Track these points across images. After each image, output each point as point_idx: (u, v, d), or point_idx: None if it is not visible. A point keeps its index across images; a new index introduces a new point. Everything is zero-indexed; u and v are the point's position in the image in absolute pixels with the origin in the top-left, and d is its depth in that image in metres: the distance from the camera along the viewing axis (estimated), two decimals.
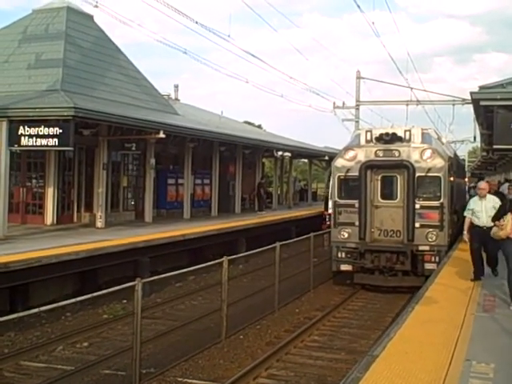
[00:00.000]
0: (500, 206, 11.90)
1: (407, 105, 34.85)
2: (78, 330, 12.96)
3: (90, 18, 25.84)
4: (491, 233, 11.33)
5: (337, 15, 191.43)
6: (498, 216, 11.04)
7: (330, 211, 25.18)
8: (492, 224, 11.84)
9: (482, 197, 12.64)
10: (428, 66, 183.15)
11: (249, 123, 57.49)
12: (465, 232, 12.89)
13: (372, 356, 7.21)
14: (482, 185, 13.21)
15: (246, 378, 9.94)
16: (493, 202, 12.43)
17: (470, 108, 32.35)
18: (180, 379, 10.08)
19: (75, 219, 22.37)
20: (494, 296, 10.98)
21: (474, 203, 12.81)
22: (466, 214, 12.94)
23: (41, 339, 12.42)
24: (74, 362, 10.89)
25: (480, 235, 12.37)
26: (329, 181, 27.94)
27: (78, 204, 22.56)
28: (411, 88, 35.12)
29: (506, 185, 22.29)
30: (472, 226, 12.69)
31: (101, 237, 18.03)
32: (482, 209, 12.49)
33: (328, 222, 25.13)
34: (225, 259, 12.62)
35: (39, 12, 24.74)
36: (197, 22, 17.28)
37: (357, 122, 35.49)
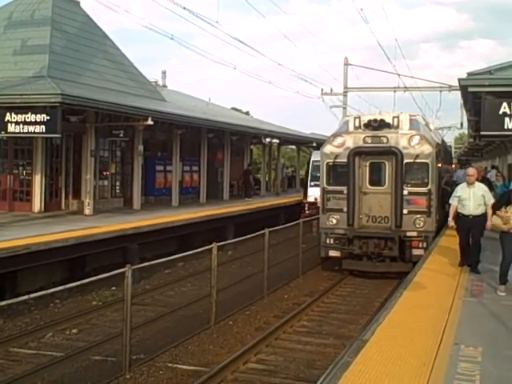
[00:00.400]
0: (502, 195, 11.63)
1: (395, 91, 35.01)
2: (68, 316, 12.96)
3: (77, 3, 25.60)
4: (488, 224, 11.13)
5: (325, 2, 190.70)
6: (499, 206, 10.64)
7: (310, 199, 26.21)
8: (479, 213, 11.65)
9: (470, 184, 11.96)
10: (415, 52, 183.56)
11: (236, 110, 57.34)
12: (450, 219, 12.29)
13: (362, 341, 7.27)
14: (471, 171, 12.43)
15: (236, 363, 10.00)
16: (482, 191, 11.88)
17: (457, 94, 32.51)
18: (170, 365, 10.10)
19: (63, 206, 22.27)
20: (481, 281, 11.06)
21: (461, 190, 12.12)
22: (451, 201, 12.30)
23: (30, 326, 12.40)
24: (63, 348, 10.89)
25: (466, 224, 11.95)
26: (308, 168, 28.21)
27: (66, 191, 22.45)
28: (399, 74, 35.29)
29: (494, 171, 22.34)
30: (457, 214, 12.07)
31: (89, 224, 18.00)
32: (469, 196, 11.85)
33: (308, 211, 25.44)
34: (214, 245, 12.64)
35: None
36: (184, 8, 17.17)
37: (344, 108, 35.58)
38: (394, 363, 6.54)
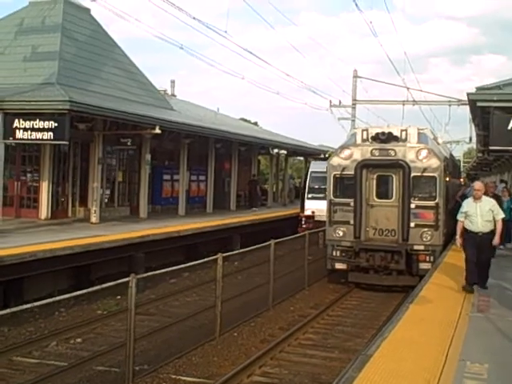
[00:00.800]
0: None
1: (403, 104, 34.87)
2: (72, 325, 12.90)
3: (87, 11, 25.72)
4: (497, 240, 10.91)
5: (334, 14, 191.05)
6: None
7: (307, 212, 25.69)
8: (488, 230, 11.23)
9: (477, 199, 11.48)
10: (424, 66, 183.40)
11: (245, 120, 57.43)
12: (457, 237, 11.88)
13: (366, 355, 7.20)
14: (477, 185, 11.98)
15: (240, 376, 9.91)
16: (489, 205, 11.47)
17: (466, 109, 32.45)
18: (173, 376, 10.04)
19: (69, 214, 22.28)
20: (488, 297, 10.96)
21: (467, 205, 11.61)
22: (458, 217, 11.76)
23: (34, 334, 12.36)
24: (67, 357, 10.84)
25: (475, 241, 11.34)
26: (306, 180, 27.74)
27: (73, 198, 22.47)
28: (408, 88, 35.16)
29: (502, 185, 22.17)
30: (465, 231, 11.56)
31: (96, 232, 17.98)
32: (476, 212, 11.35)
33: (305, 225, 24.95)
34: (219, 256, 12.59)
35: (36, 4, 24.58)
36: (194, 18, 17.23)
37: (353, 120, 35.49)
38: (399, 379, 6.46)
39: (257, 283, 16.15)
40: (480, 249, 11.34)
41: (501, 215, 11.46)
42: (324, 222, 18.47)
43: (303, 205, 26.72)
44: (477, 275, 11.58)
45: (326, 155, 30.34)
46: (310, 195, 26.32)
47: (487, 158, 30.00)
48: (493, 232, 11.31)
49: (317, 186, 25.90)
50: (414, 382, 6.37)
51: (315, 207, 24.92)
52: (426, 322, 9.07)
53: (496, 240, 11.21)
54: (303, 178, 31.30)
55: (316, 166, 27.83)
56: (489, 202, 11.64)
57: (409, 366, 6.86)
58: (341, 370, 10.17)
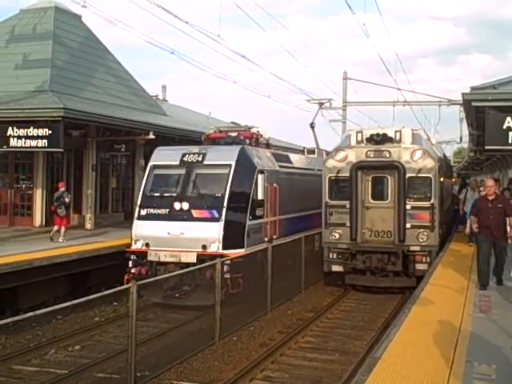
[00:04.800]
0: None
1: (394, 105, 34.94)
2: (70, 333, 12.84)
3: (78, 17, 25.68)
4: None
5: (321, 17, 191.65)
6: None
7: (137, 245, 15.01)
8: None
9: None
10: (412, 67, 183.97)
11: (235, 124, 57.32)
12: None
13: (373, 358, 7.19)
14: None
15: (242, 380, 9.91)
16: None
17: (455, 109, 32.90)
18: (175, 382, 9.99)
19: None
20: (489, 296, 10.98)
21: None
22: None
23: (32, 342, 12.28)
24: (66, 365, 10.77)
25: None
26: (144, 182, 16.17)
27: None
28: (398, 89, 35.24)
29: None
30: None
31: (91, 238, 17.90)
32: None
33: (135, 270, 14.67)
34: (218, 261, 12.53)
35: (27, 12, 24.57)
36: (187, 22, 17.20)
37: (344, 122, 35.51)
38: (409, 381, 6.46)
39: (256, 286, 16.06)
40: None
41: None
42: (169, 263, 14.43)
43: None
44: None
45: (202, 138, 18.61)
46: (144, 211, 15.31)
47: (479, 158, 30.14)
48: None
49: (158, 195, 15.45)
50: None
51: (153, 233, 14.91)
52: (430, 323, 9.07)
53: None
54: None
55: (162, 157, 16.30)
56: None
57: (417, 368, 6.86)
58: (342, 373, 10.21)
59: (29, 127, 17.36)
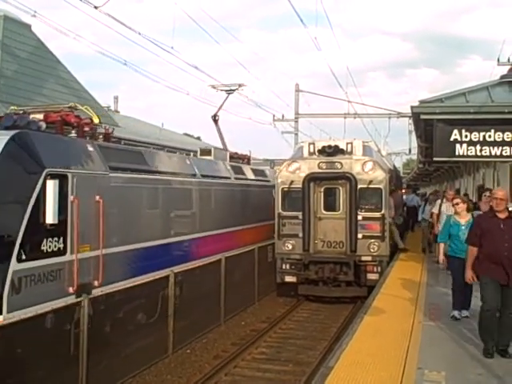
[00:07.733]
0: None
1: (345, 117, 35.40)
2: None
3: (28, 27, 25.21)
4: None
5: (273, 30, 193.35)
6: None
7: None
8: None
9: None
10: (362, 80, 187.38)
11: (188, 135, 57.20)
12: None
13: (327, 368, 7.25)
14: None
15: None
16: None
17: (405, 121, 33.59)
18: None
19: None
20: (438, 305, 11.17)
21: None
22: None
23: None
24: None
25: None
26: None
27: None
28: (349, 101, 35.71)
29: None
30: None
31: None
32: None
33: None
34: (171, 273, 12.45)
35: None
36: (140, 33, 17.08)
37: (296, 134, 35.81)
38: None
39: (207, 298, 15.99)
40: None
41: None
42: None
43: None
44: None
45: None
46: None
47: (428, 169, 30.78)
48: None
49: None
50: None
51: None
52: (382, 332, 9.20)
53: None
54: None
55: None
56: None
57: (370, 376, 6.95)
58: None
59: None
